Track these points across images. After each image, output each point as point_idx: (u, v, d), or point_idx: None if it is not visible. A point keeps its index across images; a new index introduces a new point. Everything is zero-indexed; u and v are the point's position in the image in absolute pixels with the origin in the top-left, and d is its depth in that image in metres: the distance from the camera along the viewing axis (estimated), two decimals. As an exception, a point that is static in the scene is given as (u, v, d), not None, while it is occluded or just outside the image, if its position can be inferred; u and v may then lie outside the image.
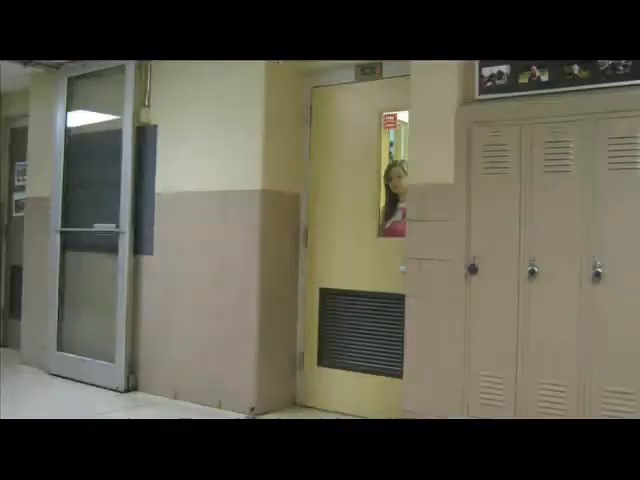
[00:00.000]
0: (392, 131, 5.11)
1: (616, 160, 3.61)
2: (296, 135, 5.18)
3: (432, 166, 4.18)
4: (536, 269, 3.80)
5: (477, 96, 4.09)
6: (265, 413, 4.81)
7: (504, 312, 3.89)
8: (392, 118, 4.93)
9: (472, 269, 3.99)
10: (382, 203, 4.95)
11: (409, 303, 4.24)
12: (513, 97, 3.95)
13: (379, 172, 4.94)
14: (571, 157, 3.73)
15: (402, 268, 4.32)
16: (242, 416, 4.77)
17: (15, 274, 7.25)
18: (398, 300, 4.48)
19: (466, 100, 4.12)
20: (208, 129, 5.19)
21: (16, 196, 7.43)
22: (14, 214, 7.46)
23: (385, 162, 5.03)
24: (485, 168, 3.99)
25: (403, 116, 4.86)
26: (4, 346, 7.40)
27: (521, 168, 3.87)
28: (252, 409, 4.78)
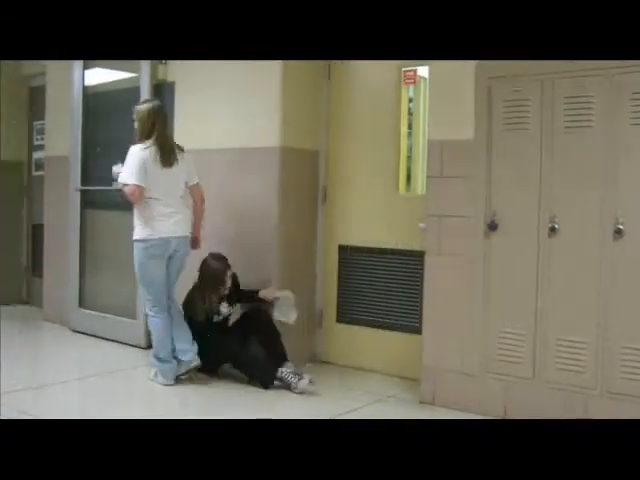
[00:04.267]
0: (411, 87, 5.05)
1: (639, 115, 3.56)
2: (315, 91, 5.14)
3: (452, 122, 4.15)
4: (557, 226, 3.79)
5: (498, 51, 4.03)
6: (285, 369, 4.85)
7: (524, 269, 3.89)
8: (412, 74, 4.88)
9: (492, 226, 3.97)
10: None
11: (429, 260, 4.24)
12: (535, 51, 3.88)
13: (398, 129, 4.91)
14: (593, 112, 3.68)
15: (421, 225, 4.31)
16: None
17: (36, 232, 7.31)
18: (417, 257, 4.50)
19: (487, 55, 4.06)
20: (226, 85, 5.16)
21: (35, 155, 7.45)
22: (34, 173, 7.49)
23: (405, 118, 4.99)
24: (506, 124, 3.95)
25: (423, 72, 4.82)
26: (27, 303, 7.51)
27: (542, 124, 3.83)
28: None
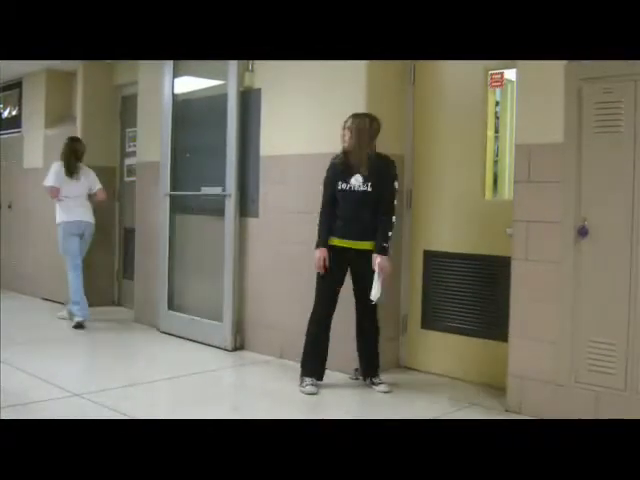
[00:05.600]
0: (498, 90, 4.98)
1: None
2: (400, 96, 5.13)
3: (540, 125, 4.07)
4: (651, 231, 3.66)
5: (589, 52, 3.93)
6: (368, 374, 4.85)
7: (616, 276, 3.77)
8: (499, 76, 4.80)
9: (582, 232, 3.87)
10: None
11: (516, 266, 4.16)
12: (628, 52, 3.76)
13: (485, 132, 4.84)
14: (691, 114, 3.54)
15: (508, 230, 4.24)
16: (346, 376, 4.84)
17: (128, 236, 7.56)
18: (504, 263, 4.42)
19: (577, 56, 3.96)
20: (311, 91, 5.20)
21: (127, 161, 7.70)
22: (126, 179, 7.74)
23: (492, 122, 4.92)
24: (597, 127, 3.84)
25: (510, 74, 4.73)
26: (119, 305, 7.75)
27: (635, 126, 3.70)
28: (356, 370, 4.84)
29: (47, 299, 7.98)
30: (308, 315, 4.65)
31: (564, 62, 3.92)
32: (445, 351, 5.00)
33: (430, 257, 5.09)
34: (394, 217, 4.48)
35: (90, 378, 4.85)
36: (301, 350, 4.65)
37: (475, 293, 4.85)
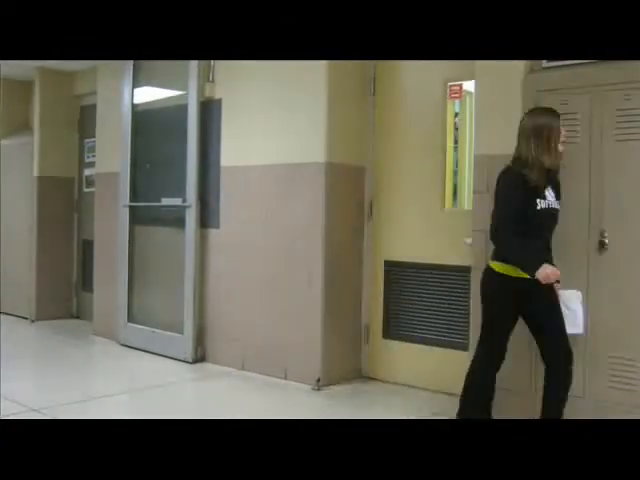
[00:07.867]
0: (457, 102, 5.02)
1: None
2: (360, 107, 5.16)
3: (499, 137, 4.10)
4: (606, 241, 3.72)
5: (545, 64, 3.99)
6: (330, 385, 4.85)
7: (572, 285, 3.81)
8: (458, 88, 4.85)
9: (540, 241, 3.91)
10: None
11: (475, 275, 4.19)
12: (582, 64, 3.82)
13: (444, 143, 4.88)
14: (645, 124, 3.61)
15: (467, 240, 4.28)
16: (307, 387, 4.83)
17: (86, 248, 7.46)
18: (463, 272, 4.45)
19: (533, 68, 4.03)
20: (272, 101, 5.20)
21: (86, 172, 7.61)
22: (84, 189, 7.65)
23: (451, 133, 4.97)
24: (553, 137, 3.89)
25: (469, 86, 4.78)
26: (77, 318, 7.64)
27: (591, 137, 3.77)
28: (318, 380, 4.83)
29: (8, 313, 7.83)
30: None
31: (522, 74, 3.99)
32: (407, 360, 5.02)
33: (391, 267, 5.11)
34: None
35: (47, 393, 4.75)
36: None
37: (435, 302, 4.88)
